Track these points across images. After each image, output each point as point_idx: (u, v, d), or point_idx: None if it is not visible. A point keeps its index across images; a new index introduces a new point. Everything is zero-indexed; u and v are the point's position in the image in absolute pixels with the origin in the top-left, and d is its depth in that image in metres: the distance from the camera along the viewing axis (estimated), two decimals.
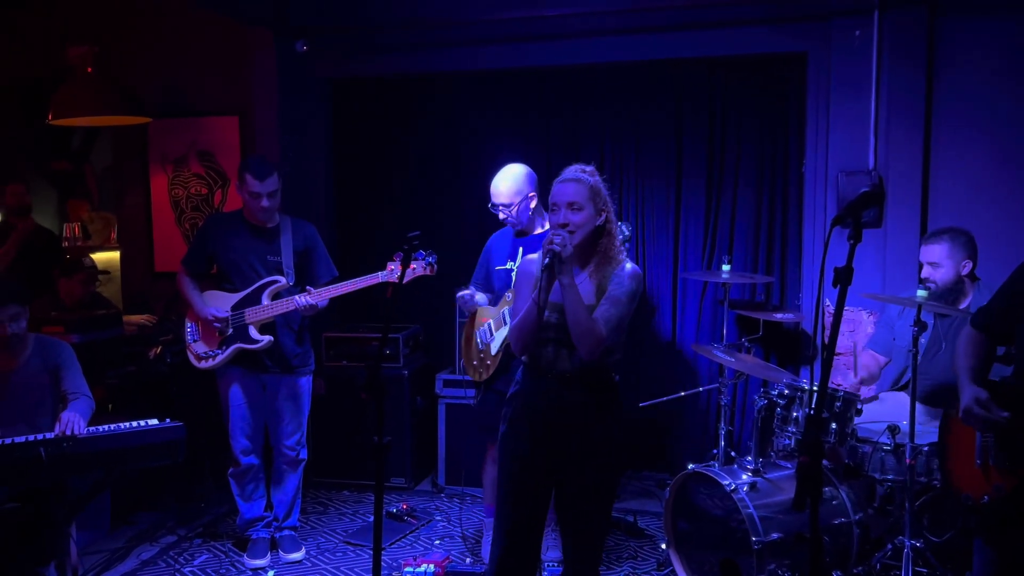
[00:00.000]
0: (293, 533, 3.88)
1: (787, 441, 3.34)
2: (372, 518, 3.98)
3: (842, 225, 1.94)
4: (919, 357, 3.17)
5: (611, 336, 2.45)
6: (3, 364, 3.30)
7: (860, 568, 3.22)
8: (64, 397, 3.35)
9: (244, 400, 3.70)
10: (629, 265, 2.55)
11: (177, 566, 3.73)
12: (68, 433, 3.06)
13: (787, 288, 4.56)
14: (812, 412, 3.07)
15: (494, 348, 3.55)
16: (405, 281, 2.74)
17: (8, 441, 2.99)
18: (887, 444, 3.22)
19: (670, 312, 4.70)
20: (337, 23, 4.77)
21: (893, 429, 3.19)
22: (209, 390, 3.80)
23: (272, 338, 3.60)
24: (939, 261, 3.43)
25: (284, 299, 3.56)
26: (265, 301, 3.59)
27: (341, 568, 3.73)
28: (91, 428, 3.15)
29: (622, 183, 4.70)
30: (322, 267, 3.76)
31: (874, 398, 3.62)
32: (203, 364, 3.67)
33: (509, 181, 3.52)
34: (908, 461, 3.10)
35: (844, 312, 1.90)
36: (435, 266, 3.47)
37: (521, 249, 3.48)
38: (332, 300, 3.63)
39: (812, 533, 1.90)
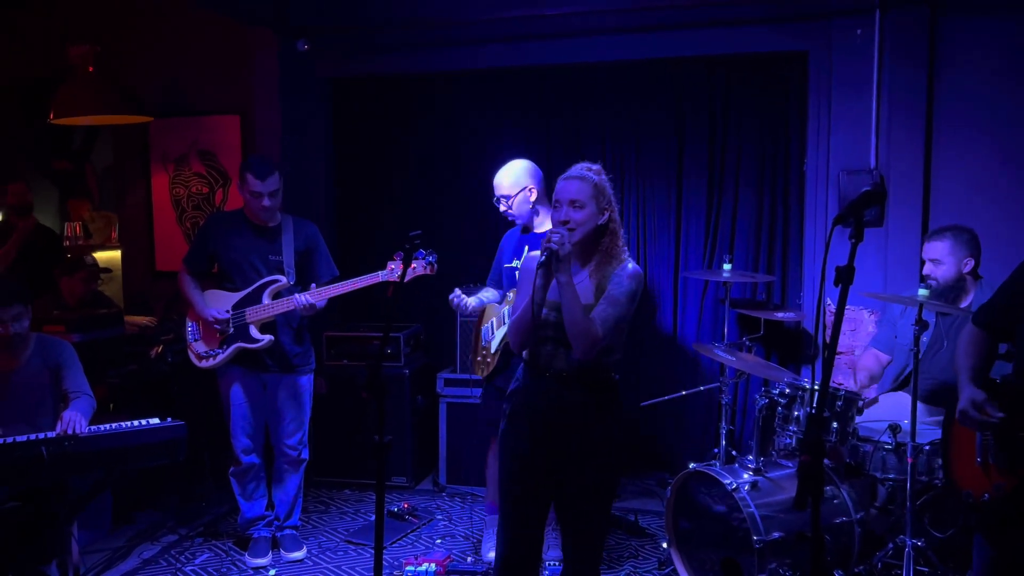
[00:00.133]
0: (294, 532, 3.88)
1: (788, 440, 3.34)
2: (373, 517, 3.99)
3: (844, 224, 1.94)
4: (920, 356, 3.17)
5: (608, 336, 2.44)
6: (4, 363, 3.31)
7: (861, 567, 3.22)
8: (65, 396, 3.35)
9: (245, 399, 3.70)
10: (631, 265, 2.53)
11: (178, 565, 3.74)
12: (69, 432, 3.06)
13: (788, 287, 4.56)
14: (813, 411, 3.08)
15: (493, 346, 3.57)
16: (406, 280, 2.74)
17: (9, 440, 2.99)
18: (888, 443, 3.22)
19: (671, 311, 4.70)
20: (338, 23, 4.77)
21: (894, 428, 3.19)
22: (210, 389, 3.80)
23: (273, 337, 3.60)
24: (941, 258, 3.43)
25: (284, 298, 3.56)
26: (266, 300, 3.59)
27: (342, 567, 3.73)
28: (92, 427, 3.15)
29: (623, 182, 4.70)
30: (323, 267, 3.76)
31: (874, 401, 3.62)
32: (204, 363, 3.67)
33: (509, 173, 3.59)
34: (909, 460, 3.10)
35: (845, 311, 1.89)
36: (435, 265, 3.47)
37: (527, 247, 3.49)
38: (333, 299, 3.63)
39: (814, 532, 1.89)
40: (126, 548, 3.87)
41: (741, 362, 3.48)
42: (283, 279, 3.62)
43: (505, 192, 3.58)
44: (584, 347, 2.41)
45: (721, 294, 4.39)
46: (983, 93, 4.02)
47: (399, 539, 3.97)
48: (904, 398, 3.34)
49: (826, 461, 3.18)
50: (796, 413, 3.29)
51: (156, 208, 5.29)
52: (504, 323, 3.52)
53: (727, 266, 3.91)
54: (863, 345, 4.05)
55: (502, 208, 3.61)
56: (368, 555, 3.81)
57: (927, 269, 3.48)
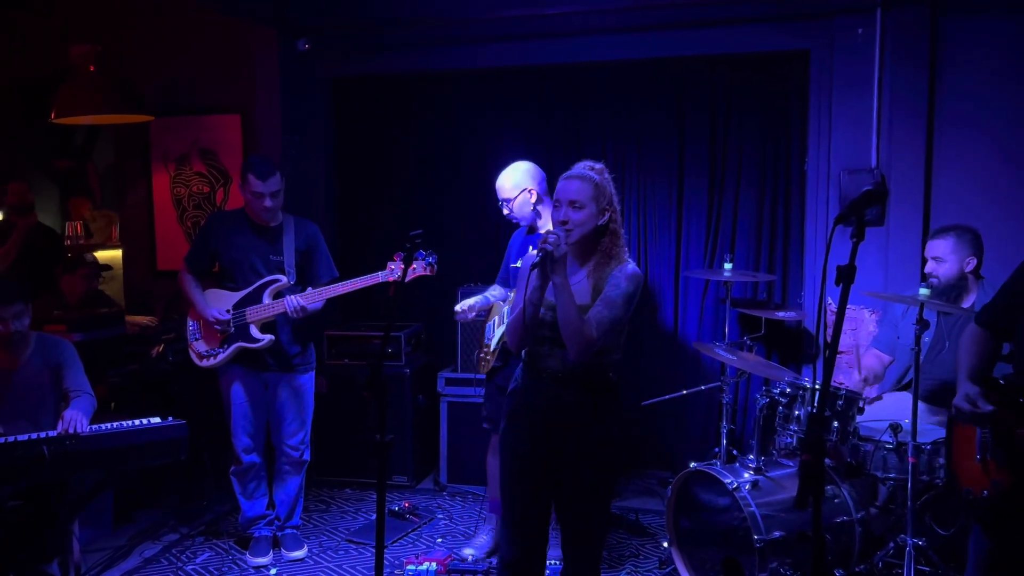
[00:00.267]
0: (295, 531, 3.88)
1: (789, 439, 3.34)
2: (374, 516, 4.00)
3: (845, 223, 1.95)
4: (922, 356, 3.17)
5: (603, 338, 2.42)
6: (5, 362, 3.31)
7: (862, 566, 3.23)
8: (66, 395, 3.35)
9: (246, 398, 3.70)
10: (630, 266, 2.51)
11: (179, 564, 3.74)
12: (71, 431, 3.06)
13: (789, 286, 4.56)
14: (814, 410, 3.08)
15: (493, 344, 3.60)
16: (405, 281, 2.74)
17: (11, 439, 2.99)
18: (889, 443, 3.22)
19: (672, 310, 4.70)
20: (339, 22, 4.77)
21: (895, 428, 3.19)
22: (211, 389, 3.80)
23: (273, 337, 3.61)
24: (943, 256, 3.43)
25: (280, 299, 3.56)
26: (266, 300, 3.59)
27: (343, 566, 3.73)
28: (93, 426, 3.15)
29: (624, 181, 4.70)
30: (323, 267, 3.76)
31: (878, 398, 3.62)
32: (205, 362, 3.68)
33: (509, 176, 3.61)
34: (910, 460, 3.10)
35: (846, 310, 1.89)
36: (435, 266, 3.47)
37: (531, 247, 3.51)
38: (333, 299, 3.63)
39: (815, 531, 1.89)
40: (127, 547, 3.88)
41: (742, 361, 3.48)
42: (283, 279, 3.62)
43: (506, 195, 3.60)
44: (578, 349, 2.40)
45: (722, 293, 4.39)
46: (984, 93, 4.01)
47: (400, 538, 3.98)
48: (905, 398, 3.34)
49: (827, 460, 3.18)
50: (797, 412, 3.29)
51: (157, 207, 5.29)
52: (504, 322, 3.53)
53: (728, 265, 3.91)
54: (864, 344, 4.05)
55: (505, 211, 3.63)
56: (369, 554, 3.81)
57: (929, 267, 3.48)
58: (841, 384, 3.52)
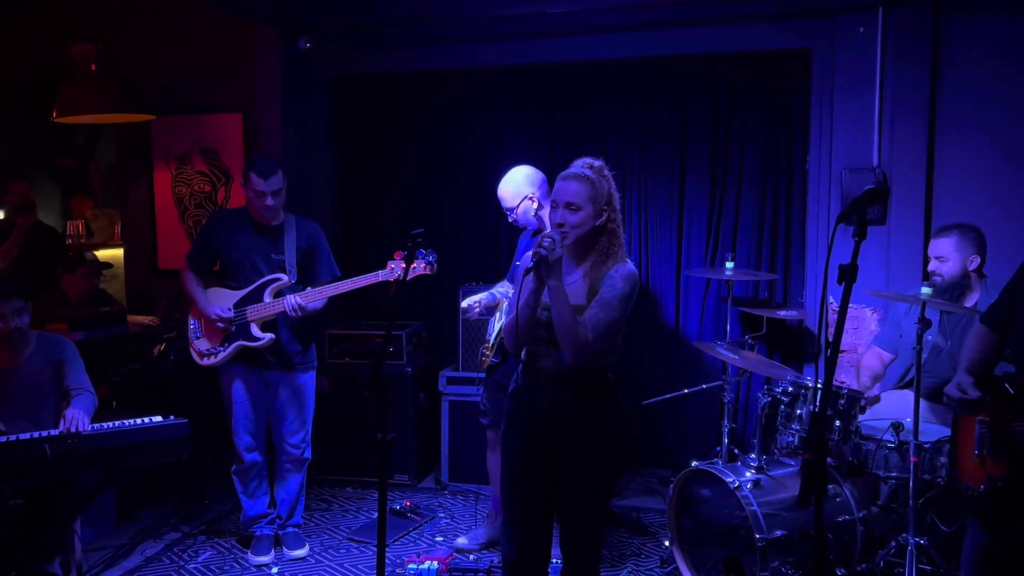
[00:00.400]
0: (297, 530, 3.88)
1: (791, 438, 3.34)
2: (376, 515, 3.99)
3: (846, 222, 1.94)
4: (925, 355, 3.17)
5: (598, 340, 2.39)
6: (6, 361, 3.31)
7: (864, 566, 3.22)
8: (67, 393, 3.35)
9: (247, 397, 3.70)
10: (626, 266, 2.48)
11: (181, 563, 3.74)
12: (72, 430, 3.06)
13: (791, 285, 4.55)
14: (816, 409, 3.08)
15: (491, 340, 3.62)
16: (404, 278, 2.74)
17: (12, 438, 3.00)
18: (891, 441, 3.22)
19: (673, 309, 4.70)
20: (340, 21, 4.77)
21: (897, 426, 3.19)
22: (212, 387, 3.80)
23: (274, 336, 3.61)
24: (946, 255, 3.43)
25: (280, 299, 3.56)
26: (267, 299, 3.59)
27: (345, 565, 3.73)
28: (95, 425, 3.15)
29: (625, 180, 4.69)
30: (324, 266, 3.76)
31: (876, 399, 3.62)
32: (206, 361, 3.68)
33: (509, 184, 3.60)
34: (912, 459, 3.10)
35: (848, 309, 1.89)
36: (435, 265, 3.46)
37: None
38: (334, 298, 3.63)
39: (816, 530, 1.89)
40: (129, 546, 3.88)
41: (743, 360, 3.48)
42: (284, 278, 3.62)
43: (508, 204, 3.60)
44: (574, 351, 2.38)
45: (723, 292, 4.39)
46: (985, 91, 4.01)
47: (401, 537, 3.98)
48: (907, 396, 3.34)
49: (829, 459, 3.18)
50: (799, 411, 3.29)
51: (158, 206, 5.30)
52: (503, 318, 3.54)
53: (729, 264, 3.91)
54: (866, 343, 4.05)
55: (510, 219, 3.64)
56: (370, 553, 3.81)
57: (932, 266, 3.48)
58: (843, 383, 3.52)
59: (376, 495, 2.55)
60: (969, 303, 3.44)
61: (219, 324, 3.60)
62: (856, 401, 3.22)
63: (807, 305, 4.39)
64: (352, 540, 3.98)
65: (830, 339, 1.85)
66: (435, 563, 3.51)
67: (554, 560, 3.44)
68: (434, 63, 4.81)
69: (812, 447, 1.82)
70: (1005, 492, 2.43)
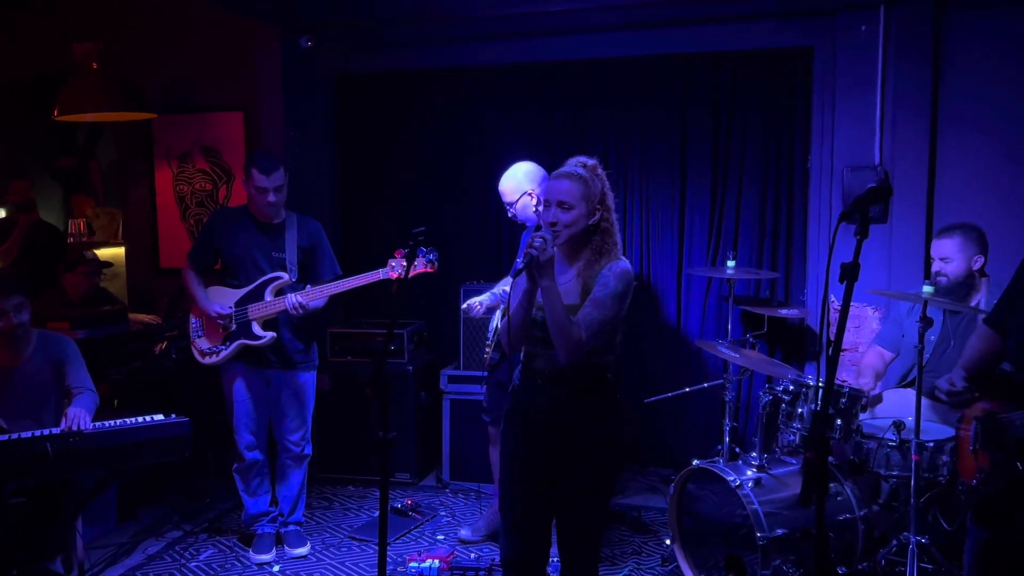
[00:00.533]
0: (298, 528, 3.88)
1: (792, 437, 3.34)
2: (377, 513, 4.00)
3: (848, 221, 1.94)
4: (927, 354, 3.17)
5: (592, 339, 2.37)
6: (7, 360, 3.32)
7: (865, 564, 3.22)
8: (68, 392, 3.36)
9: (248, 396, 3.71)
10: (620, 263, 2.45)
11: (183, 561, 3.75)
12: (74, 428, 3.07)
13: (792, 284, 4.55)
14: (818, 408, 3.08)
15: (491, 339, 3.62)
16: (406, 278, 2.74)
17: (14, 436, 3.00)
18: (892, 440, 3.21)
19: (675, 308, 4.70)
20: (341, 19, 4.77)
21: (898, 425, 3.19)
22: (213, 386, 3.81)
23: (275, 334, 3.61)
24: (951, 255, 3.43)
25: (281, 297, 3.56)
26: (268, 297, 3.59)
27: (346, 563, 3.74)
28: (97, 423, 3.16)
29: (626, 179, 4.69)
30: (325, 265, 3.76)
31: (878, 398, 3.62)
32: (207, 360, 3.68)
33: (510, 180, 3.62)
34: (914, 457, 3.10)
35: (849, 308, 1.89)
36: (436, 263, 3.46)
37: None
38: (335, 297, 3.63)
39: (818, 529, 1.89)
40: (130, 544, 3.88)
41: (745, 359, 3.48)
42: (285, 276, 3.62)
43: (508, 199, 3.62)
44: (567, 351, 2.35)
45: (725, 291, 4.38)
46: (988, 90, 4.00)
47: (403, 535, 3.98)
48: (909, 395, 3.34)
49: (830, 458, 3.18)
50: (800, 410, 3.29)
51: (160, 205, 5.30)
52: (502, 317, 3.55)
53: (731, 263, 3.91)
54: (867, 342, 4.04)
55: (509, 214, 3.65)
56: (372, 551, 3.81)
57: (937, 267, 3.48)
58: (844, 381, 3.52)
59: (377, 493, 2.56)
60: (973, 303, 3.44)
61: (220, 323, 3.60)
62: (857, 400, 3.22)
63: (808, 304, 4.39)
64: (353, 538, 3.98)
65: (831, 338, 1.84)
66: (436, 561, 3.52)
67: (554, 559, 3.45)
68: (434, 62, 4.81)
69: (813, 445, 1.83)
70: (992, 480, 2.43)
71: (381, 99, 5.07)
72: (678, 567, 3.37)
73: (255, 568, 3.69)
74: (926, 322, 3.12)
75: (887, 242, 4.13)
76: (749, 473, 3.19)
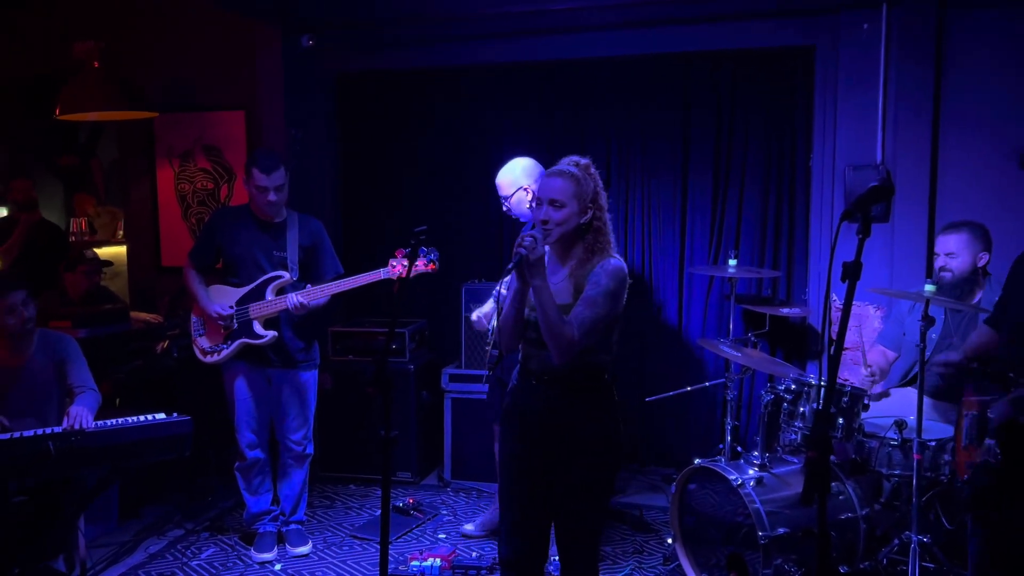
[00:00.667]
0: (300, 527, 3.89)
1: (793, 436, 3.33)
2: (379, 512, 4.00)
3: (850, 220, 1.94)
4: (928, 352, 3.17)
5: (585, 338, 2.34)
6: (10, 359, 3.32)
7: (867, 563, 3.22)
8: (70, 391, 3.36)
9: (249, 394, 3.71)
10: (612, 261, 2.42)
11: (184, 559, 3.75)
12: (76, 427, 3.07)
13: (794, 283, 4.55)
14: (820, 407, 3.08)
15: (490, 338, 3.64)
16: (406, 277, 2.73)
17: (16, 435, 3.00)
18: (894, 439, 3.21)
19: (676, 307, 4.70)
20: (342, 18, 4.77)
21: (900, 424, 3.19)
22: (215, 385, 3.81)
23: (276, 333, 3.61)
24: (957, 251, 3.44)
25: (282, 296, 3.56)
26: (269, 296, 3.59)
27: (348, 562, 3.74)
28: (99, 422, 3.16)
29: (627, 178, 4.69)
30: (327, 264, 3.76)
31: (885, 394, 3.61)
32: (208, 358, 3.68)
33: (506, 173, 3.61)
34: (915, 456, 3.10)
35: (851, 307, 1.89)
36: (436, 263, 3.45)
37: None
38: (337, 296, 3.63)
39: (819, 528, 1.89)
40: (132, 542, 3.89)
41: (746, 358, 3.48)
42: (286, 275, 3.62)
43: (504, 193, 3.60)
44: (559, 350, 2.34)
45: (726, 290, 4.39)
46: (989, 88, 4.00)
47: (404, 534, 3.98)
48: (911, 394, 3.34)
49: (831, 457, 3.18)
50: (802, 409, 3.29)
51: (161, 204, 5.30)
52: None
53: (732, 262, 3.90)
54: (869, 341, 4.04)
55: (504, 208, 3.63)
56: (373, 550, 3.82)
57: (941, 261, 3.48)
58: (846, 380, 3.52)
59: (379, 492, 2.56)
60: (975, 300, 3.44)
61: (220, 322, 3.60)
62: (859, 398, 3.22)
63: (810, 303, 4.38)
64: (355, 537, 3.98)
65: (833, 336, 1.84)
66: (438, 560, 3.52)
67: (554, 558, 3.45)
68: (435, 61, 4.81)
69: (815, 445, 1.82)
70: (981, 474, 2.43)
71: (382, 98, 5.07)
72: (679, 566, 3.37)
73: (257, 567, 3.69)
74: (928, 321, 3.12)
75: (889, 241, 4.12)
76: (751, 472, 3.19)
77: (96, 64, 4.52)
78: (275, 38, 4.83)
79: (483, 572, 3.52)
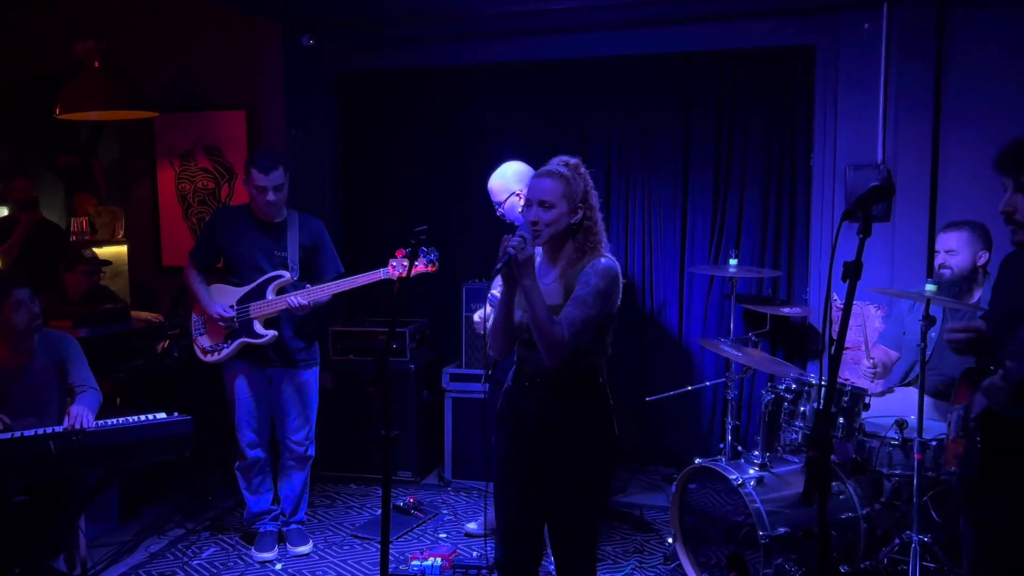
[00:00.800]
0: (301, 527, 3.89)
1: (794, 436, 3.34)
2: (379, 511, 4.00)
3: (851, 219, 1.94)
4: (928, 352, 3.16)
5: (576, 339, 2.31)
6: (11, 359, 3.32)
7: (867, 563, 3.22)
8: (71, 390, 3.37)
9: (250, 394, 3.71)
10: (603, 260, 2.40)
11: (185, 559, 3.75)
12: (77, 427, 3.07)
13: (794, 282, 4.55)
14: (820, 407, 3.08)
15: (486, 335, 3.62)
16: (405, 277, 2.73)
17: (17, 435, 3.01)
18: (895, 439, 3.22)
19: (676, 306, 4.69)
20: (343, 17, 4.77)
21: (901, 424, 3.19)
22: (215, 384, 3.81)
23: (276, 333, 3.61)
24: (957, 248, 3.43)
25: (283, 296, 3.56)
26: (270, 296, 3.59)
27: (348, 561, 3.74)
28: (99, 422, 3.16)
29: (628, 177, 4.69)
30: (327, 263, 3.76)
31: (889, 390, 3.61)
32: (209, 358, 3.68)
33: (497, 179, 3.59)
34: (916, 456, 3.10)
35: (852, 306, 1.89)
36: (436, 263, 3.45)
37: None
38: (337, 295, 3.63)
39: (820, 528, 1.89)
40: (133, 542, 3.89)
41: (747, 357, 3.48)
42: (287, 275, 3.62)
43: (496, 198, 3.58)
44: (549, 351, 2.32)
45: (727, 289, 4.39)
46: (991, 87, 4.00)
47: (405, 533, 3.98)
48: (911, 393, 3.34)
49: (832, 457, 3.18)
50: (802, 408, 3.29)
51: (162, 203, 5.30)
52: None
53: (733, 261, 3.90)
54: (870, 341, 4.03)
55: (498, 212, 3.61)
56: (374, 549, 3.82)
57: (941, 259, 3.48)
58: (847, 380, 3.52)
59: (379, 492, 2.56)
60: (974, 299, 3.44)
61: (221, 322, 3.60)
62: (860, 398, 3.22)
63: (811, 302, 4.38)
64: (356, 537, 3.98)
65: (834, 336, 1.84)
66: (439, 559, 3.52)
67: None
68: (436, 60, 4.81)
69: (816, 444, 1.82)
70: (967, 467, 2.42)
71: (382, 98, 5.07)
72: (680, 566, 3.37)
73: (257, 566, 3.69)
74: (929, 321, 3.12)
75: (890, 240, 4.12)
76: (751, 472, 3.19)
77: (96, 64, 4.52)
78: (276, 38, 4.83)
79: (484, 571, 3.52)
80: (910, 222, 4.10)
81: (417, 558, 3.56)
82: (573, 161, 2.47)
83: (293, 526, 3.86)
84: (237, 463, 3.80)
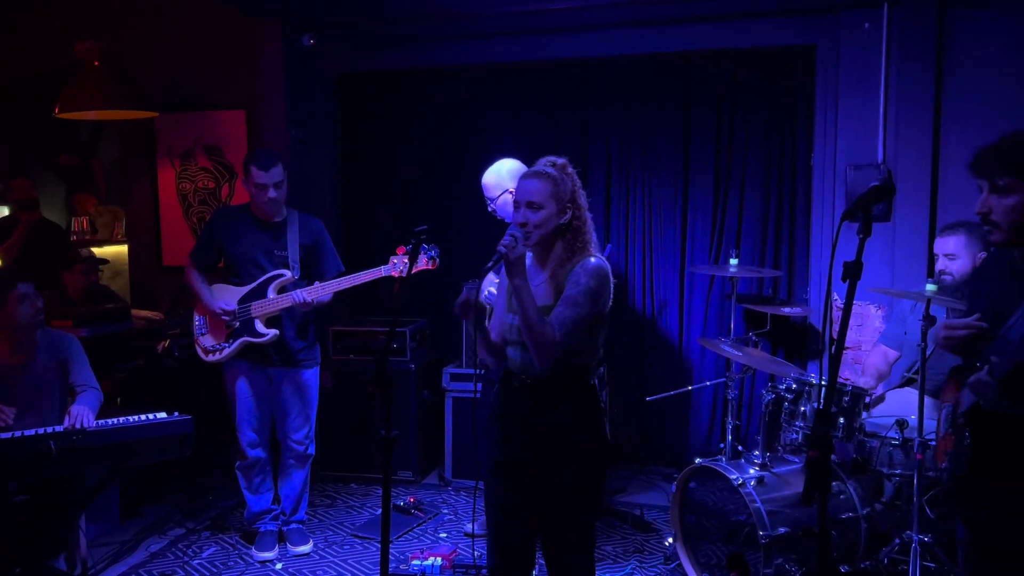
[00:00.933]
0: (301, 526, 3.89)
1: (794, 435, 3.34)
2: (379, 511, 4.01)
3: (851, 219, 1.94)
4: (929, 352, 3.16)
5: (566, 339, 2.31)
6: (12, 358, 3.32)
7: (867, 563, 3.22)
8: (72, 389, 3.37)
9: (250, 393, 3.71)
10: (593, 260, 2.38)
11: (185, 558, 3.75)
12: (77, 426, 3.07)
13: (795, 282, 4.55)
14: (820, 406, 3.08)
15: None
16: (407, 275, 2.73)
17: (18, 434, 3.01)
18: (895, 439, 3.21)
19: (677, 306, 4.69)
20: (343, 17, 4.77)
21: (901, 424, 3.19)
22: (216, 383, 3.81)
23: (277, 332, 3.61)
24: (956, 252, 3.43)
25: (285, 294, 3.57)
26: (271, 295, 3.59)
27: (349, 561, 3.74)
28: (100, 421, 3.16)
29: (628, 177, 4.69)
30: (329, 262, 3.76)
31: (881, 399, 3.61)
32: (210, 357, 3.68)
33: (492, 175, 3.59)
34: (916, 456, 3.10)
35: (852, 306, 1.89)
36: (437, 260, 3.46)
37: None
38: (338, 294, 3.63)
39: (820, 528, 1.89)
40: (133, 541, 3.89)
41: (747, 357, 3.48)
42: (288, 274, 3.62)
43: (489, 195, 3.60)
44: (540, 351, 2.31)
45: (727, 289, 4.39)
46: (991, 87, 4.00)
47: (405, 533, 3.98)
48: (912, 394, 3.34)
49: (832, 456, 3.18)
50: (802, 408, 3.29)
51: (162, 203, 5.30)
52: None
53: (733, 261, 3.90)
54: (870, 341, 4.04)
55: (490, 208, 3.61)
56: (374, 549, 3.82)
57: (941, 264, 3.47)
58: (847, 380, 3.52)
59: (380, 491, 2.56)
60: None
61: (224, 319, 3.60)
62: (860, 398, 3.22)
63: (811, 302, 4.38)
64: (356, 536, 3.98)
65: (834, 336, 1.84)
66: (439, 559, 3.52)
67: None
68: (436, 60, 4.81)
69: (816, 444, 1.82)
70: (955, 464, 2.42)
71: (382, 97, 5.07)
72: (680, 565, 3.37)
73: (258, 566, 3.69)
74: (929, 321, 3.12)
75: (890, 240, 4.12)
76: (751, 471, 3.19)
77: (96, 63, 4.52)
78: (276, 37, 4.83)
79: (483, 572, 3.52)
80: (910, 222, 4.10)
81: (417, 558, 3.56)
82: (560, 161, 2.45)
83: (293, 525, 3.87)
84: (237, 463, 3.80)
